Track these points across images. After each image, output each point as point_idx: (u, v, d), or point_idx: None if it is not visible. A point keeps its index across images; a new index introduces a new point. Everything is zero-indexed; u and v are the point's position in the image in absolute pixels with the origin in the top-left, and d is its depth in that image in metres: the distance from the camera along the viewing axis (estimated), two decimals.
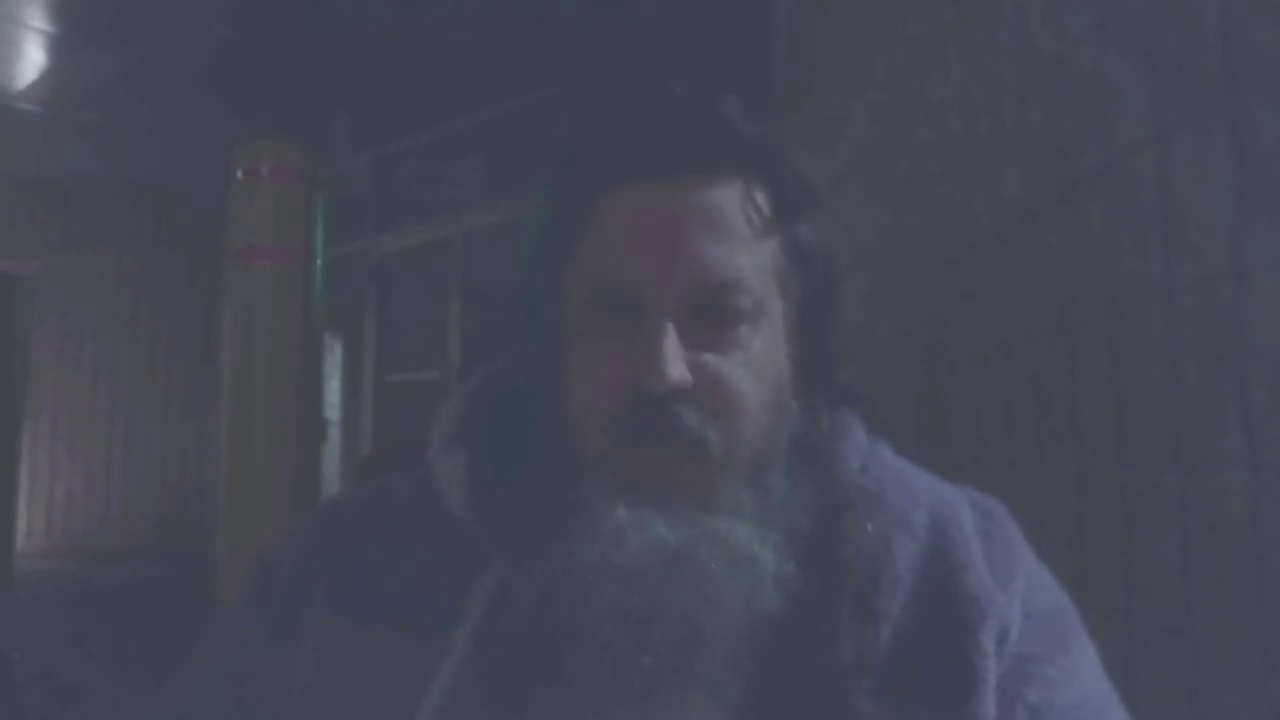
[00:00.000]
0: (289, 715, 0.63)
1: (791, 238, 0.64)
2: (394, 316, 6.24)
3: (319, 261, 4.63)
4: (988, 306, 1.74)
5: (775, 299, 0.63)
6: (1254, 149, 1.00)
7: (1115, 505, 1.27)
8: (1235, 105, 1.02)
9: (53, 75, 5.23)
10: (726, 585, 0.56)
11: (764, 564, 0.57)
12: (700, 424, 0.58)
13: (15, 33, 4.76)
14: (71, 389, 6.96)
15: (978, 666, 0.59)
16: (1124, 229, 1.25)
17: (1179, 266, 1.12)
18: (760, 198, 0.62)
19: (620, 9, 4.17)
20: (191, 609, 4.13)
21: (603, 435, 0.59)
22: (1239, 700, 1.02)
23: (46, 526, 6.87)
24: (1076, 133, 1.38)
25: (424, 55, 4.83)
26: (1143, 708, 0.68)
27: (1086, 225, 1.35)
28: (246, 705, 0.66)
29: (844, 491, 0.64)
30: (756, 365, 0.60)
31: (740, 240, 0.61)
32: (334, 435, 6.22)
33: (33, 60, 5.08)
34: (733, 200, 0.61)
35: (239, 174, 4.51)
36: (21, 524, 6.22)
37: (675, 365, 0.57)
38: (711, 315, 0.60)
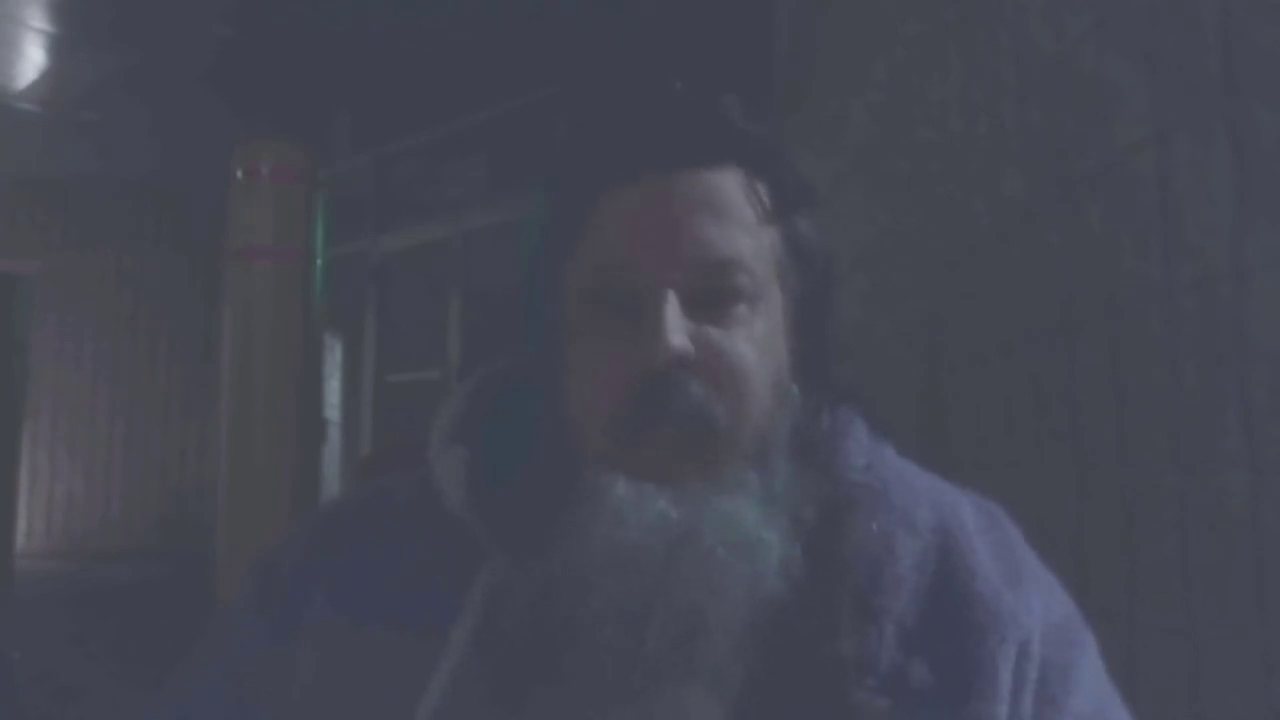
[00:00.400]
0: (289, 715, 0.63)
1: (791, 231, 0.64)
2: (394, 316, 6.24)
3: (319, 261, 4.63)
4: (988, 306, 1.74)
5: (775, 289, 0.63)
6: (1254, 149, 1.00)
7: (1115, 505, 1.27)
8: (1235, 105, 1.02)
9: (53, 75, 5.23)
10: (731, 568, 0.56)
11: (769, 548, 0.58)
12: (705, 397, 0.58)
13: (15, 33, 4.76)
14: (71, 389, 6.96)
15: (984, 668, 0.59)
16: (1124, 229, 1.24)
17: (1179, 266, 1.12)
18: (761, 191, 0.62)
19: (620, 9, 4.17)
20: (191, 609, 4.13)
21: (603, 435, 0.59)
22: (1239, 700, 1.02)
23: (46, 526, 6.88)
24: (1076, 133, 1.38)
25: (424, 55, 4.83)
26: (1143, 708, 0.68)
27: (1086, 225, 1.35)
28: (246, 705, 0.66)
29: (846, 488, 0.64)
30: (758, 344, 0.61)
31: (741, 225, 0.61)
32: (334, 435, 6.22)
33: (33, 60, 5.08)
34: (734, 186, 0.62)
35: (239, 174, 4.51)
36: (21, 524, 6.22)
37: (677, 335, 0.57)
38: (712, 293, 0.60)
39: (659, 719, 0.56)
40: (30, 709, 3.58)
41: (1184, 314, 1.11)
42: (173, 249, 7.14)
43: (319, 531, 0.71)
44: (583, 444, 0.60)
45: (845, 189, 2.64)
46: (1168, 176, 1.14)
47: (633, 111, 0.65)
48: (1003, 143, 1.66)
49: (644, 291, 0.59)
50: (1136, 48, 1.21)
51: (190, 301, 7.03)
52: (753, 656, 0.57)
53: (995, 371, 1.70)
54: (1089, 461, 1.35)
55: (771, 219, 0.63)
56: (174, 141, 5.97)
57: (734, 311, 0.60)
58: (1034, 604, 0.62)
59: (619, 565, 0.56)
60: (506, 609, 0.59)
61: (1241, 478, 1.01)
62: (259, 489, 4.30)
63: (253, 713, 0.65)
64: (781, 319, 0.64)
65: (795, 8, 3.50)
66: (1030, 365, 1.54)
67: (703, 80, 0.64)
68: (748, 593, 0.57)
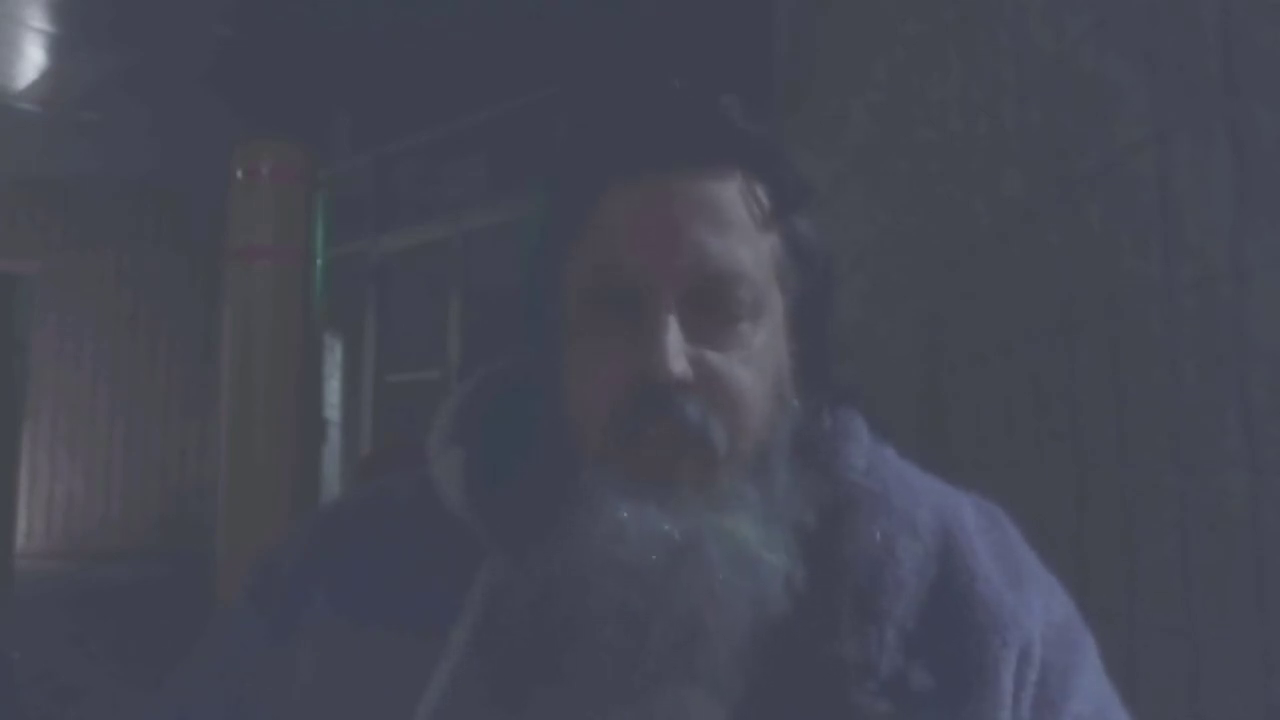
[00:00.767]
0: (289, 715, 0.63)
1: (791, 233, 0.64)
2: (394, 316, 6.24)
3: (319, 261, 4.62)
4: (988, 306, 1.74)
5: (775, 294, 0.63)
6: (1254, 149, 1.00)
7: (1115, 505, 1.27)
8: (1235, 105, 1.02)
9: (53, 75, 5.23)
10: (732, 582, 0.56)
11: (770, 561, 0.57)
12: (703, 418, 0.58)
13: (15, 33, 4.76)
14: (71, 389, 6.96)
15: (986, 671, 0.59)
16: (1124, 229, 1.24)
17: (1179, 266, 1.12)
18: (760, 192, 0.62)
19: (620, 9, 4.17)
20: (191, 609, 4.13)
21: (602, 435, 0.59)
22: (1239, 700, 1.02)
23: (46, 526, 6.87)
24: (1076, 133, 1.38)
25: (424, 55, 4.83)
26: (1143, 708, 0.68)
27: (1086, 225, 1.35)
28: (246, 705, 0.66)
29: (847, 490, 0.64)
30: (756, 361, 0.60)
31: (741, 233, 0.61)
32: (334, 435, 6.22)
33: (33, 60, 5.08)
34: (733, 193, 0.61)
35: (239, 174, 4.51)
36: (21, 524, 6.22)
37: (677, 359, 0.57)
38: (712, 307, 0.59)
39: (659, 719, 0.56)
40: (30, 709, 3.58)
41: (1184, 314, 1.11)
42: (173, 249, 7.14)
43: (319, 531, 0.71)
44: (582, 443, 0.60)
45: (845, 189, 2.64)
46: (1168, 176, 1.14)
47: (633, 110, 0.64)
48: (1003, 143, 1.66)
49: (644, 292, 0.59)
50: (1136, 48, 1.21)
51: (190, 301, 7.03)
52: (753, 659, 0.57)
53: (995, 371, 1.70)
54: (1089, 461, 1.35)
55: (772, 222, 0.63)
56: (174, 141, 5.97)
57: (734, 330, 0.60)
58: (1035, 606, 0.62)
59: (619, 572, 0.56)
60: (506, 609, 0.59)
61: (1241, 478, 1.01)
62: (259, 489, 4.30)
63: (252, 713, 0.65)
64: (781, 323, 0.63)
65: (795, 8, 3.50)
66: (1030, 365, 1.54)
67: (703, 80, 0.64)
68: (749, 605, 0.56)
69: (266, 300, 4.45)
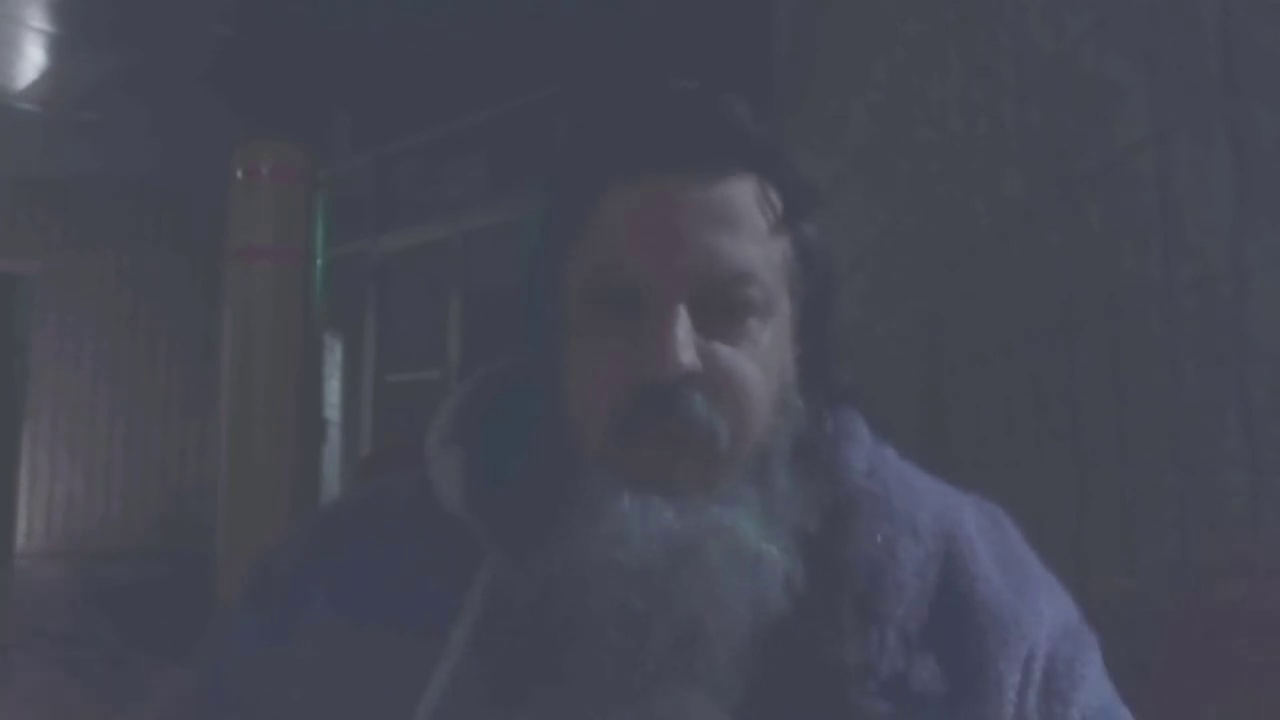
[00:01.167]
0: (289, 715, 0.63)
1: (801, 238, 0.64)
2: (394, 316, 6.24)
3: (319, 261, 4.62)
4: (988, 306, 1.74)
5: (784, 297, 0.63)
6: (1254, 149, 1.00)
7: (1115, 505, 1.27)
8: (1235, 105, 1.02)
9: (53, 75, 5.22)
10: (732, 582, 0.56)
11: (771, 561, 0.57)
12: (708, 412, 0.58)
13: (15, 33, 4.75)
14: (71, 389, 6.95)
15: (987, 673, 0.59)
16: (1124, 229, 1.24)
17: (1179, 266, 1.12)
18: (773, 196, 0.62)
19: (620, 9, 4.17)
20: (191, 609, 4.13)
21: (602, 434, 0.58)
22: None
23: (46, 526, 6.86)
24: (1076, 133, 1.38)
25: (424, 55, 4.83)
26: (1143, 708, 0.68)
27: (1086, 225, 1.35)
28: (245, 706, 0.66)
29: (848, 492, 0.64)
30: (764, 359, 0.60)
31: (752, 234, 0.61)
32: (334, 435, 6.21)
33: (33, 60, 5.08)
34: (746, 195, 0.61)
35: (239, 174, 4.51)
36: (21, 524, 6.22)
37: (687, 351, 0.57)
38: (722, 307, 0.59)
39: (659, 719, 0.56)
40: (29, 709, 3.58)
41: (1184, 314, 1.11)
42: (173, 249, 7.13)
43: (318, 531, 0.71)
44: (582, 443, 0.60)
45: (845, 189, 2.64)
46: (1168, 176, 1.14)
47: (635, 110, 0.64)
48: (1003, 143, 1.66)
49: (645, 292, 0.59)
50: (1136, 48, 1.21)
51: (190, 301, 7.02)
52: (754, 660, 0.57)
53: (995, 371, 1.70)
54: (1089, 461, 1.35)
55: (783, 226, 0.62)
56: (174, 141, 5.96)
57: (744, 326, 0.60)
58: (1038, 608, 0.62)
59: (619, 573, 0.56)
60: (506, 609, 0.59)
61: (1241, 478, 1.01)
62: (259, 489, 4.30)
63: (252, 713, 0.65)
64: (788, 327, 0.63)
65: (795, 8, 3.50)
66: (1030, 365, 1.54)
67: (706, 81, 0.64)
68: (749, 607, 0.56)
69: (266, 300, 4.45)
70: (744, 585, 0.56)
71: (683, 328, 0.57)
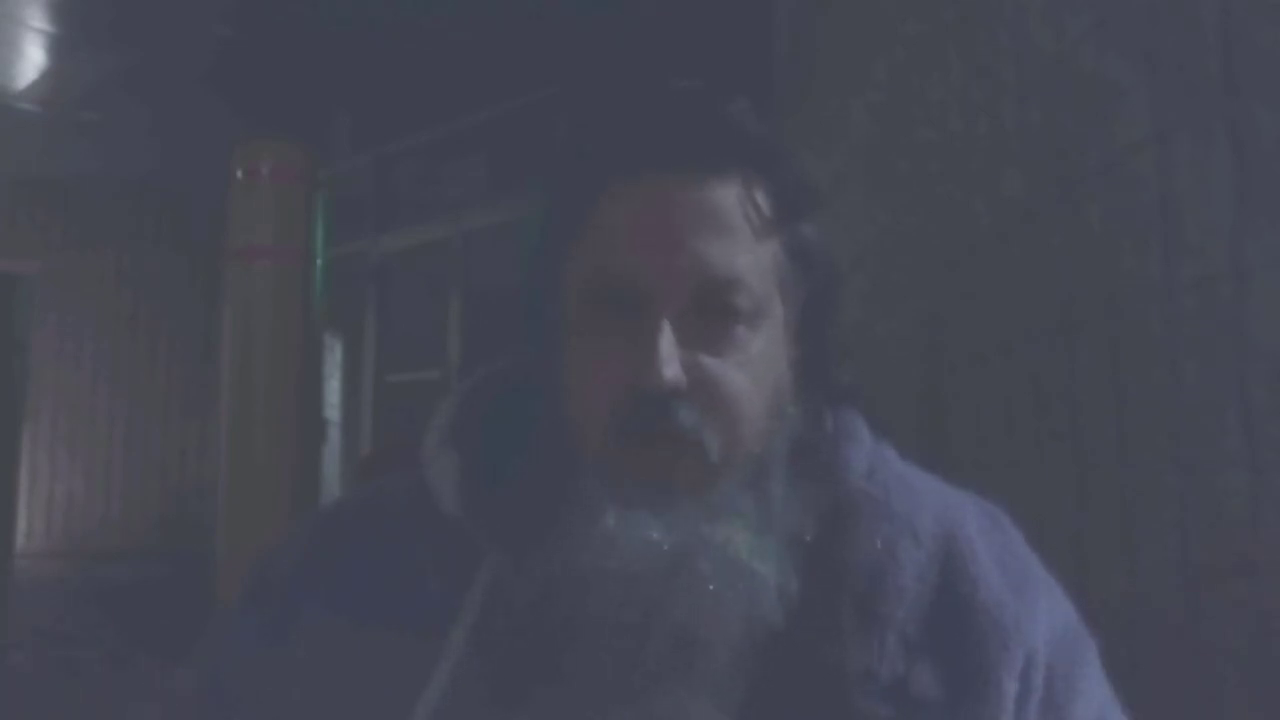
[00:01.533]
0: (288, 715, 0.63)
1: (793, 239, 0.63)
2: (394, 316, 6.24)
3: (319, 261, 4.62)
4: (988, 306, 1.74)
5: (775, 301, 0.62)
6: (1254, 149, 1.00)
7: (1115, 505, 1.27)
8: (1235, 105, 1.02)
9: (53, 75, 5.22)
10: (724, 596, 0.56)
11: (763, 575, 0.57)
12: (697, 424, 0.58)
13: (15, 33, 4.75)
14: (71, 389, 6.95)
15: (987, 677, 0.59)
16: (1124, 229, 1.24)
17: (1179, 266, 1.12)
18: (761, 197, 0.62)
19: (620, 9, 4.17)
20: (191, 609, 4.13)
21: (603, 434, 0.58)
22: (1239, 700, 1.02)
23: (46, 526, 6.87)
24: (1076, 133, 1.38)
25: (424, 55, 4.83)
26: (1143, 708, 0.68)
27: (1086, 225, 1.35)
28: (245, 706, 0.66)
29: (848, 494, 0.63)
30: (753, 367, 0.60)
31: (741, 240, 0.60)
32: (334, 435, 6.21)
33: (33, 60, 5.08)
34: (733, 199, 0.61)
35: (239, 174, 4.51)
36: (21, 524, 6.21)
37: (670, 366, 0.57)
38: (710, 314, 0.59)
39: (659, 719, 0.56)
40: (29, 709, 3.58)
41: (1184, 314, 1.11)
42: (173, 249, 7.13)
43: (318, 532, 0.71)
44: (582, 443, 0.60)
45: (845, 189, 2.64)
46: (1168, 176, 1.14)
47: (634, 111, 0.64)
48: (1003, 143, 1.66)
49: (643, 294, 0.59)
50: (1136, 48, 1.21)
51: (190, 301, 7.02)
52: (754, 663, 0.57)
53: (995, 371, 1.70)
54: (1089, 461, 1.35)
55: (774, 229, 0.62)
56: (174, 141, 5.96)
57: (731, 334, 0.60)
58: (1038, 611, 0.62)
59: (617, 574, 0.56)
60: (505, 609, 0.59)
61: (1241, 478, 1.01)
62: (259, 489, 4.30)
63: (252, 714, 0.65)
64: (782, 331, 0.63)
65: (795, 8, 3.50)
66: (1030, 365, 1.54)
67: (707, 81, 0.64)
68: (742, 617, 0.56)
69: (266, 300, 4.45)
70: (735, 600, 0.56)
71: (667, 341, 0.57)
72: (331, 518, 0.73)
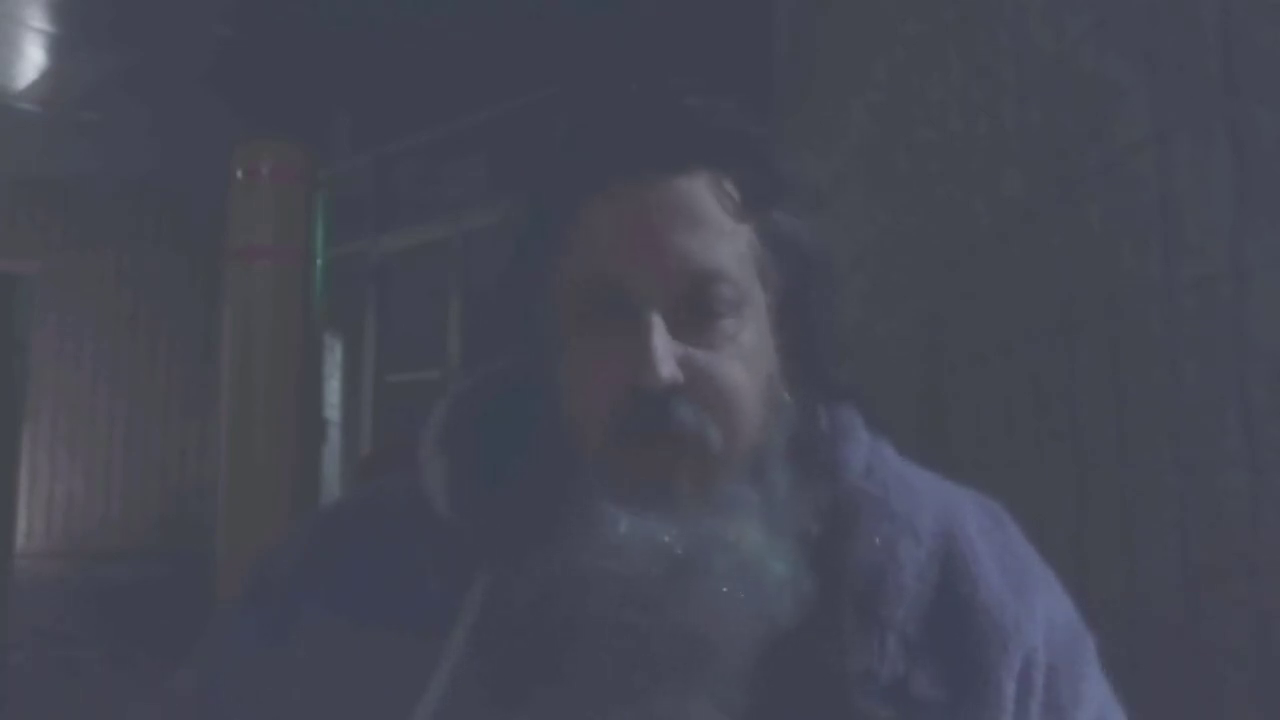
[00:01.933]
0: (288, 715, 0.63)
1: (767, 226, 0.63)
2: (394, 316, 6.24)
3: (319, 261, 4.62)
4: (988, 306, 1.74)
5: (757, 289, 0.62)
6: (1254, 149, 1.00)
7: (1115, 505, 1.27)
8: (1235, 105, 1.02)
9: (53, 75, 5.22)
10: (735, 596, 0.56)
11: (774, 573, 0.57)
12: (697, 419, 0.58)
13: (15, 33, 4.75)
14: (71, 389, 6.95)
15: (988, 677, 0.59)
16: (1124, 229, 1.24)
17: (1179, 266, 1.12)
18: (731, 187, 0.62)
19: (620, 9, 4.17)
20: (191, 609, 4.13)
21: (603, 434, 0.58)
22: (1239, 700, 1.02)
23: (46, 526, 6.87)
24: (1076, 133, 1.38)
25: (424, 55, 4.83)
26: (1143, 708, 0.68)
27: (1086, 225, 1.35)
28: (245, 706, 0.66)
29: (847, 493, 0.63)
30: (745, 357, 0.60)
31: (715, 230, 0.60)
32: (334, 435, 6.21)
33: (33, 60, 5.08)
34: (703, 193, 0.61)
35: (239, 174, 4.51)
36: (21, 524, 6.21)
37: (666, 363, 0.57)
38: (699, 309, 0.59)
39: None
40: (29, 709, 3.58)
41: (1184, 314, 1.11)
42: (173, 249, 7.13)
43: (318, 532, 0.71)
44: (582, 444, 0.60)
45: (845, 189, 2.64)
46: (1168, 176, 1.14)
47: (596, 121, 0.64)
48: (1003, 143, 1.66)
49: (632, 296, 0.59)
50: (1136, 48, 1.21)
51: (190, 301, 7.02)
52: (755, 664, 0.57)
53: (995, 371, 1.70)
54: (1089, 461, 1.35)
55: (745, 217, 0.62)
56: (174, 141, 5.97)
57: (720, 326, 0.60)
58: (1038, 610, 0.62)
59: (619, 575, 0.56)
60: (505, 610, 0.59)
61: (1241, 478, 1.01)
62: (259, 489, 4.30)
63: (252, 713, 0.65)
64: (766, 318, 0.63)
65: (795, 8, 3.50)
66: (1030, 365, 1.54)
67: (704, 80, 0.64)
68: (751, 617, 0.56)
69: (266, 300, 4.45)
70: (749, 599, 0.56)
71: (660, 338, 0.57)
72: (331, 518, 0.73)
